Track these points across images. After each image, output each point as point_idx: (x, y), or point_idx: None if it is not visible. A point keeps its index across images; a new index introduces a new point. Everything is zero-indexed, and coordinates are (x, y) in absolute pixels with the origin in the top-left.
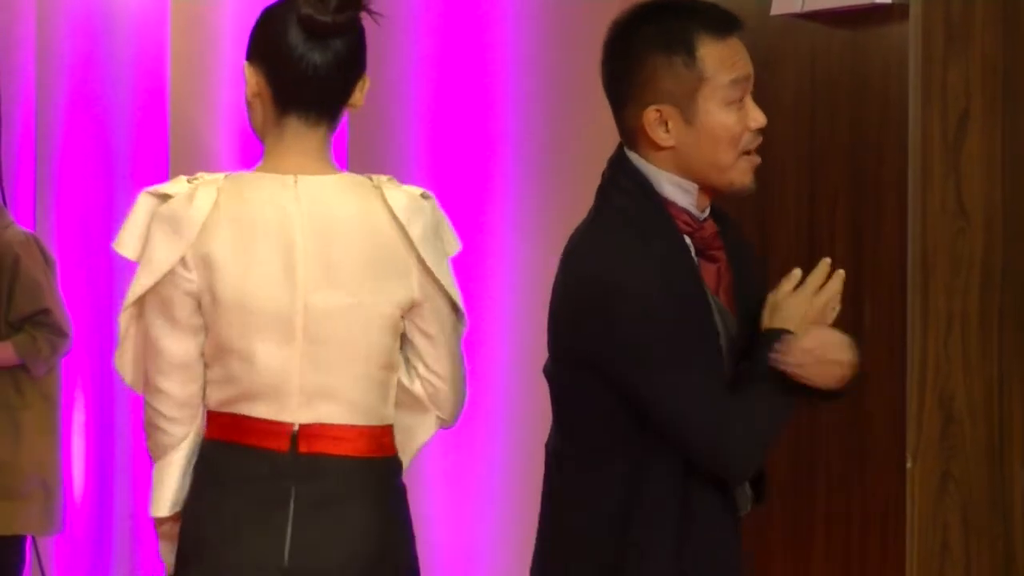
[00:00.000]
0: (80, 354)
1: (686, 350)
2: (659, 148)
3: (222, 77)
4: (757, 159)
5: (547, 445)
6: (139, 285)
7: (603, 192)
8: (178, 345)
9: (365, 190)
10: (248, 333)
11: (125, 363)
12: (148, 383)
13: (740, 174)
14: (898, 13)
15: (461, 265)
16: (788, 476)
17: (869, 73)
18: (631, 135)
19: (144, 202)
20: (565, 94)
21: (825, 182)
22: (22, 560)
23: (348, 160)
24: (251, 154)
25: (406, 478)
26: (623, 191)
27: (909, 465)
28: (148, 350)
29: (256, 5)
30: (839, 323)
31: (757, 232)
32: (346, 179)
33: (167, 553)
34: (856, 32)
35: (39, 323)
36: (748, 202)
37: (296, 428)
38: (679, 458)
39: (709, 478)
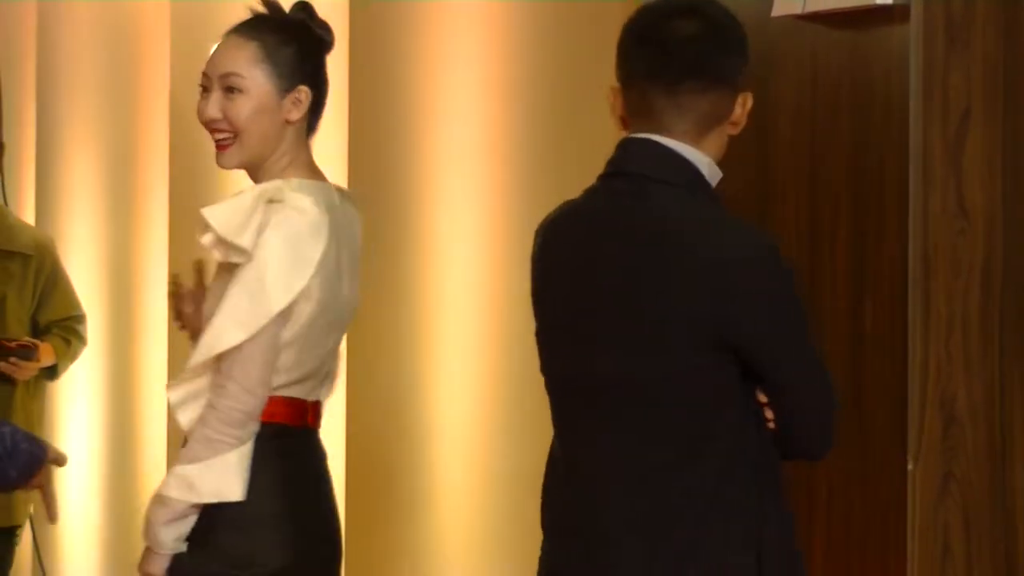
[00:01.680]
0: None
1: (807, 324)
2: (735, 133)
3: None
4: None
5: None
6: (286, 298)
7: (665, 177)
8: (281, 344)
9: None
10: (316, 331)
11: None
12: (258, 379)
13: None
14: (899, 14)
15: (462, 264)
16: (789, 476)
17: (870, 74)
18: (708, 120)
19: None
20: (566, 96)
21: (826, 183)
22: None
23: (349, 160)
24: None
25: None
26: (683, 175)
27: (910, 467)
28: (267, 350)
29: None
30: (839, 324)
31: None
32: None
33: (181, 537)
34: (857, 33)
35: (70, 328)
36: (749, 202)
37: (309, 404)
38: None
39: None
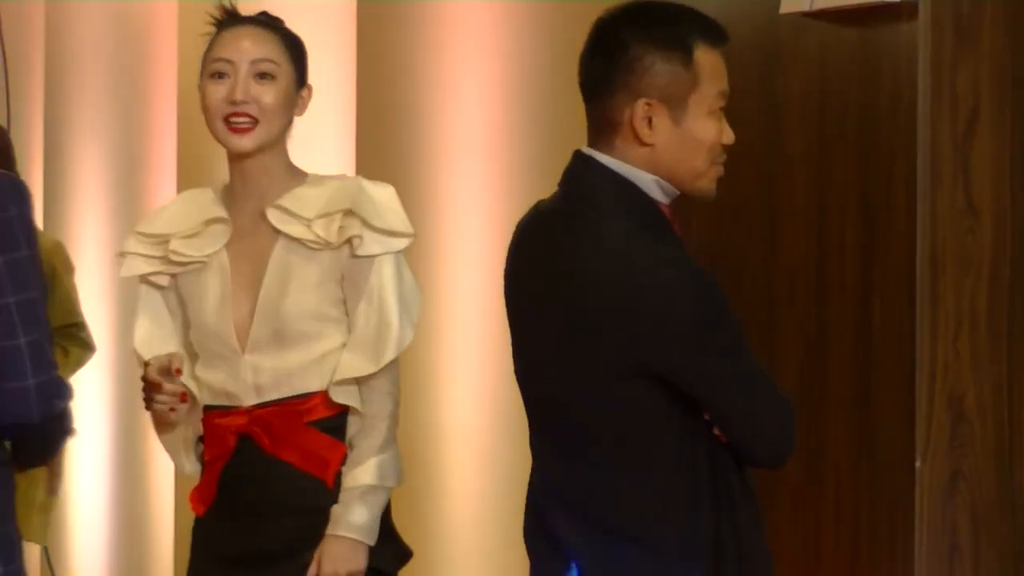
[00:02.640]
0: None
1: (744, 340)
2: (641, 144)
3: None
4: (722, 170)
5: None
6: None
7: (594, 199)
8: None
9: None
10: None
11: None
12: None
13: (709, 181)
14: (907, 11)
15: (469, 261)
16: (797, 475)
17: (878, 72)
18: (611, 128)
19: None
20: (570, 94)
21: (834, 181)
22: None
23: (356, 157)
24: None
25: None
26: (613, 197)
27: (918, 465)
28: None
29: (262, 7)
30: (848, 322)
31: (766, 231)
32: None
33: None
34: (865, 31)
35: (71, 336)
36: (757, 201)
37: None
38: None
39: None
